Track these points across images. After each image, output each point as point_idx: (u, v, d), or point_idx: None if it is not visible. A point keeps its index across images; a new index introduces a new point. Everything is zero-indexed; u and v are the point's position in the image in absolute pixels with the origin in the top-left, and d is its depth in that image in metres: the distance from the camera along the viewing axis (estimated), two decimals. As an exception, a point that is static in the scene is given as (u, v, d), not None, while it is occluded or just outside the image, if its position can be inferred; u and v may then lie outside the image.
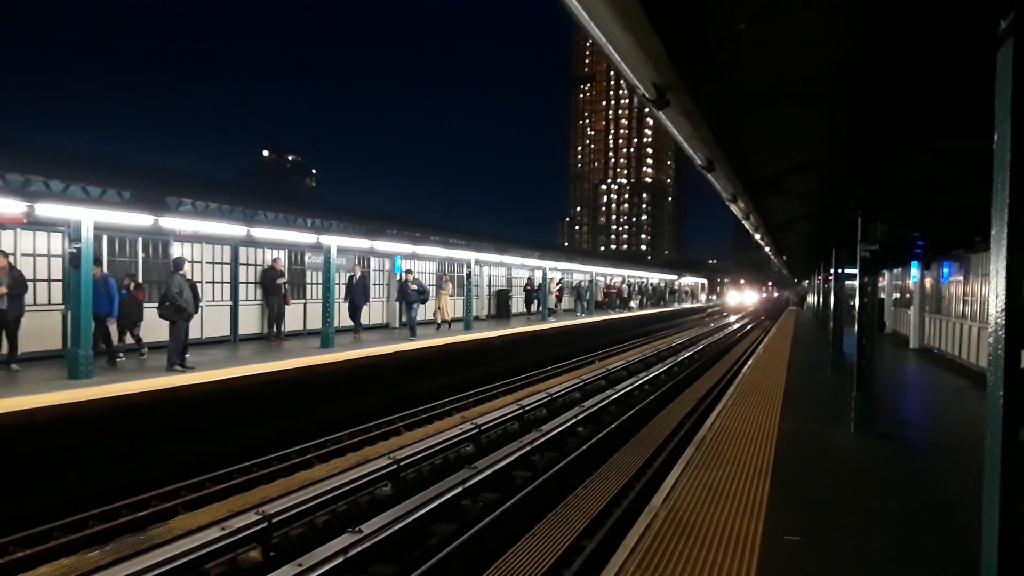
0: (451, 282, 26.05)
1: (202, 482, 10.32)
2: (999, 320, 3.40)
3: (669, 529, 6.12)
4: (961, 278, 19.51)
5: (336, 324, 17.60)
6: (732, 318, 62.39)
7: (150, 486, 9.84)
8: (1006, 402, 3.34)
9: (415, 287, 19.75)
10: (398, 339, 19.02)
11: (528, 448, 11.43)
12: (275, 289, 17.72)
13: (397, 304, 23.45)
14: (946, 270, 21.68)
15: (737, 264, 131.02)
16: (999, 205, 3.39)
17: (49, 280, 13.50)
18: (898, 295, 31.56)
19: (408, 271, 21.55)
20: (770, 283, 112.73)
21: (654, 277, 62.10)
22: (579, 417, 14.12)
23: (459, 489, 9.16)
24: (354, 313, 19.27)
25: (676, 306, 61.85)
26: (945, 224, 15.21)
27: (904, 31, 4.68)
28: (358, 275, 19.36)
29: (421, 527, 8.21)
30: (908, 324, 26.11)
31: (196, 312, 13.33)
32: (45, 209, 10.76)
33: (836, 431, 10.37)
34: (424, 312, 23.57)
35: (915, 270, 24.89)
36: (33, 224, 12.69)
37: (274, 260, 18.14)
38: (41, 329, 13.07)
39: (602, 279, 44.08)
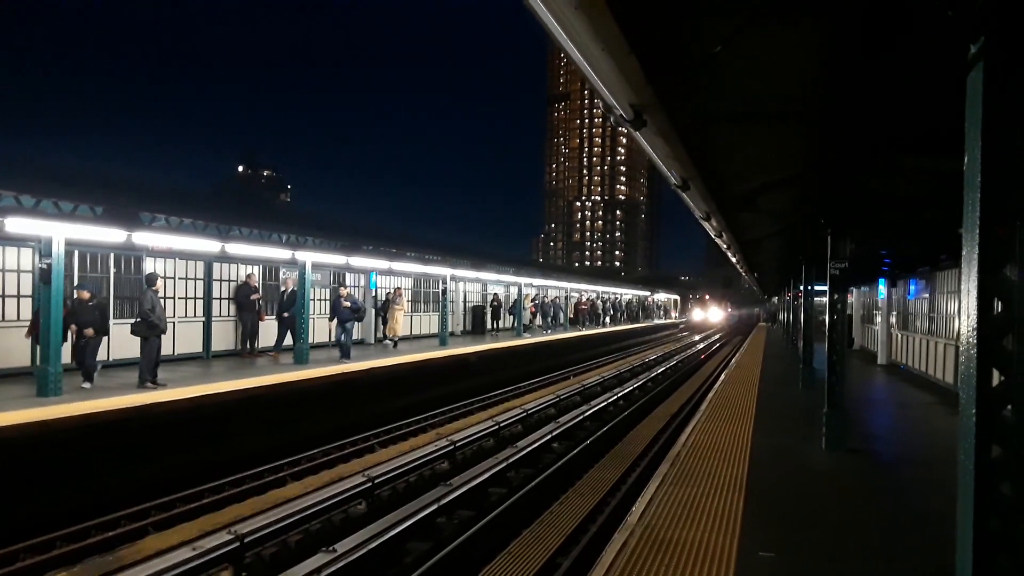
0: (402, 296, 23.58)
1: (173, 501, 10.16)
2: (970, 339, 3.43)
3: (645, 546, 6.13)
4: (927, 295, 19.84)
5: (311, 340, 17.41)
6: (696, 337, 62.40)
7: (118, 506, 9.66)
8: (978, 420, 3.37)
9: (348, 304, 18.12)
10: (372, 355, 18.88)
11: (503, 465, 11.41)
12: (249, 305, 17.53)
13: (372, 321, 23.11)
14: (912, 287, 22.05)
15: (709, 281, 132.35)
16: (970, 225, 3.44)
17: (19, 296, 13.24)
18: (864, 312, 32.01)
19: (342, 286, 20.21)
20: (727, 302, 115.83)
21: (628, 293, 62.44)
22: (554, 433, 14.13)
23: (434, 507, 9.12)
24: (284, 329, 17.92)
25: (649, 322, 62.14)
26: (912, 242, 15.46)
27: (877, 53, 4.77)
28: (289, 289, 18.06)
29: (396, 545, 8.15)
30: (876, 340, 26.47)
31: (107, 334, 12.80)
32: (15, 224, 10.60)
33: (808, 446, 10.47)
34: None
35: (883, 287, 25.27)
36: (2, 239, 12.47)
37: (248, 276, 17.95)
38: (9, 346, 12.83)
39: (576, 295, 44.17)
